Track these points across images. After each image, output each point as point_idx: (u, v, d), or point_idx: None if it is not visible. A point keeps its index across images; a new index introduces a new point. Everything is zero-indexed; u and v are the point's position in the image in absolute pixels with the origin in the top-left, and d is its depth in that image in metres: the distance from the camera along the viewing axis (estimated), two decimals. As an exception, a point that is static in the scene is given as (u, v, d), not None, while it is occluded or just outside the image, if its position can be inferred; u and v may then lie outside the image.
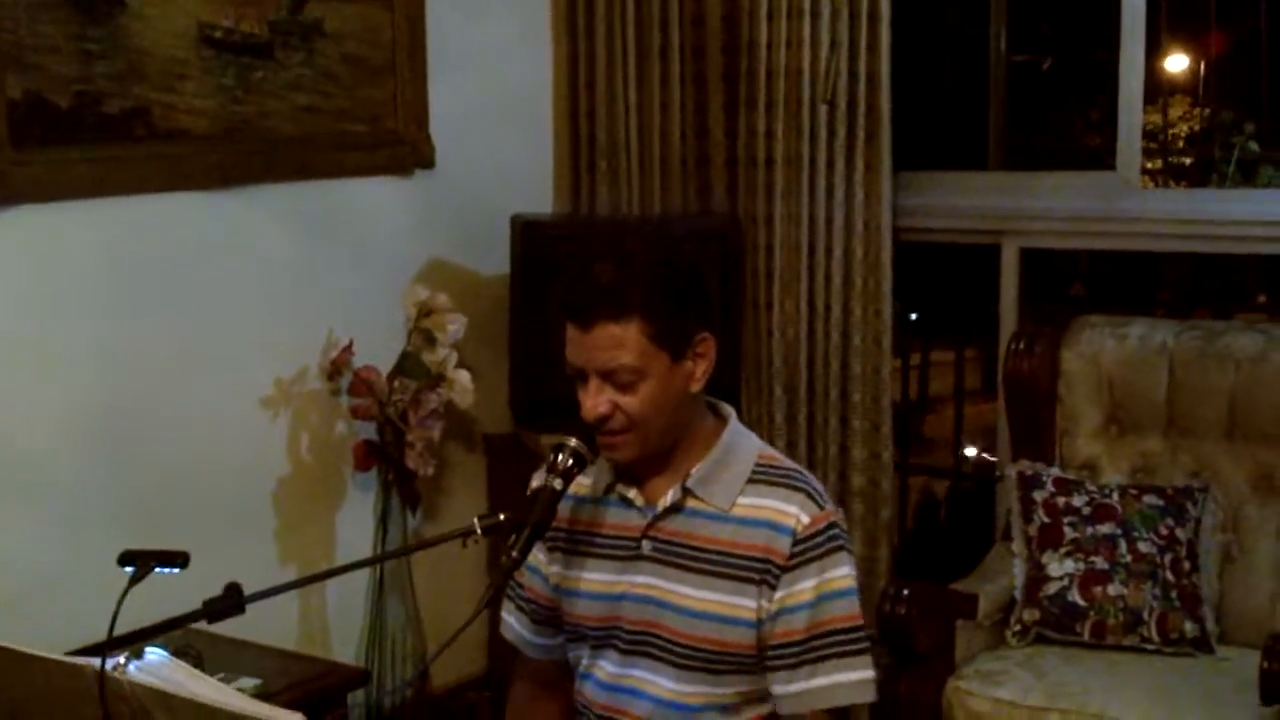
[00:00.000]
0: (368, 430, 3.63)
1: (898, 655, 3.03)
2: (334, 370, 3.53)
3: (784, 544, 2.03)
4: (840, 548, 2.06)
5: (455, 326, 3.56)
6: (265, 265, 3.49)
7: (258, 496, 3.52)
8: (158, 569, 1.70)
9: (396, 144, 3.76)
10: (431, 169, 3.85)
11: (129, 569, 1.69)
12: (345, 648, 3.62)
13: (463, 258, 3.98)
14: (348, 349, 3.52)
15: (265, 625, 3.00)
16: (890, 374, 3.96)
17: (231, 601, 1.86)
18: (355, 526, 3.67)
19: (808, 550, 2.03)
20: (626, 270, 2.02)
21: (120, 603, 1.59)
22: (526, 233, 3.85)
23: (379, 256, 3.77)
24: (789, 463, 2.14)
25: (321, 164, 3.58)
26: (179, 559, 1.74)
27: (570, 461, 2.00)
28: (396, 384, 3.56)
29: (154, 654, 1.54)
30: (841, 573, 2.05)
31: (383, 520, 3.61)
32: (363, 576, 3.70)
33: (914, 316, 5.03)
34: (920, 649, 3.06)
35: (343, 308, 3.64)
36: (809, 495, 2.06)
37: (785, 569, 2.03)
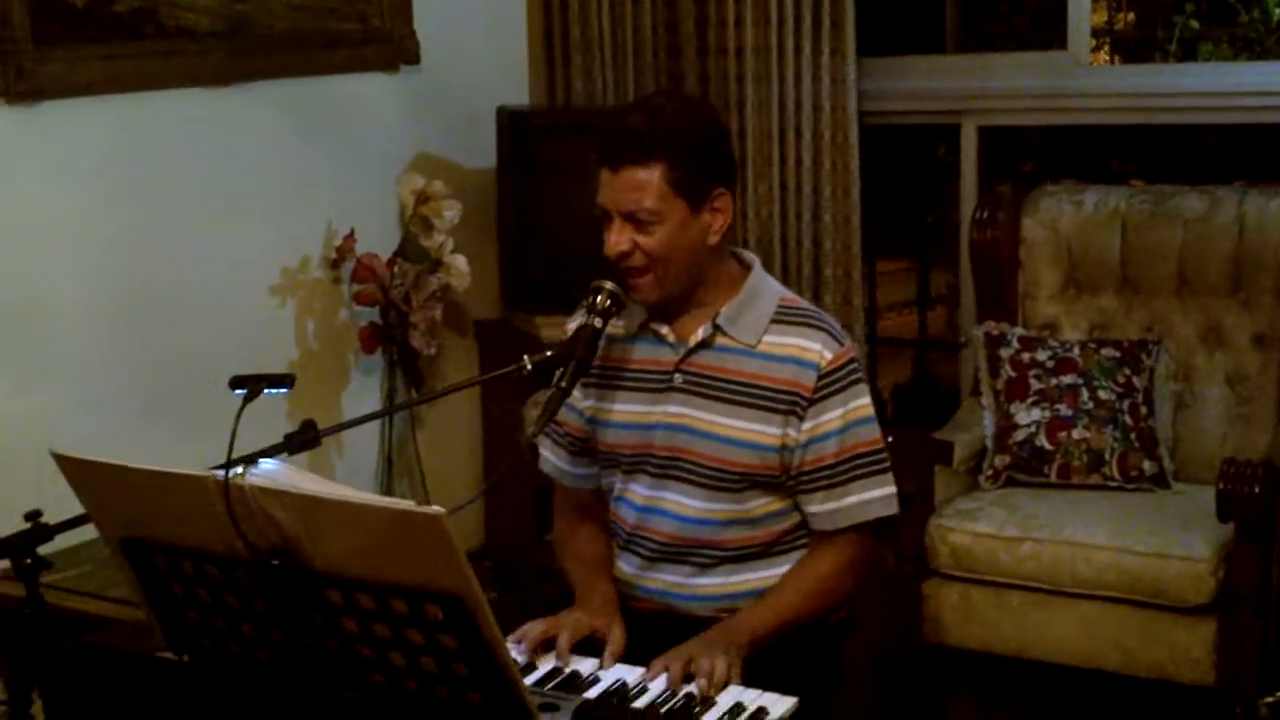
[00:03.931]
0: (369, 316, 3.82)
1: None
2: (338, 258, 3.70)
3: (810, 378, 2.24)
4: (860, 379, 2.29)
5: (452, 212, 3.74)
6: (266, 159, 3.65)
7: (268, 380, 3.69)
8: (267, 390, 1.89)
9: (383, 40, 3.92)
10: (417, 65, 4.00)
11: (239, 391, 1.88)
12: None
13: (449, 150, 4.15)
14: (350, 237, 3.69)
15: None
16: (859, 250, 4.18)
17: (309, 435, 2.06)
18: (361, 409, 3.84)
19: (832, 383, 2.25)
20: (656, 121, 2.20)
21: (237, 421, 1.77)
22: (513, 123, 4.02)
23: (370, 150, 3.94)
24: (809, 304, 2.37)
25: (314, 61, 3.74)
26: (286, 380, 1.93)
27: (609, 302, 2.20)
28: (396, 269, 3.73)
29: (268, 463, 1.73)
30: (863, 402, 2.28)
31: (389, 399, 3.80)
32: (370, 456, 3.90)
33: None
34: (909, 493, 3.30)
35: (339, 199, 3.81)
36: (829, 334, 2.28)
37: (812, 401, 2.24)
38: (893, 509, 2.30)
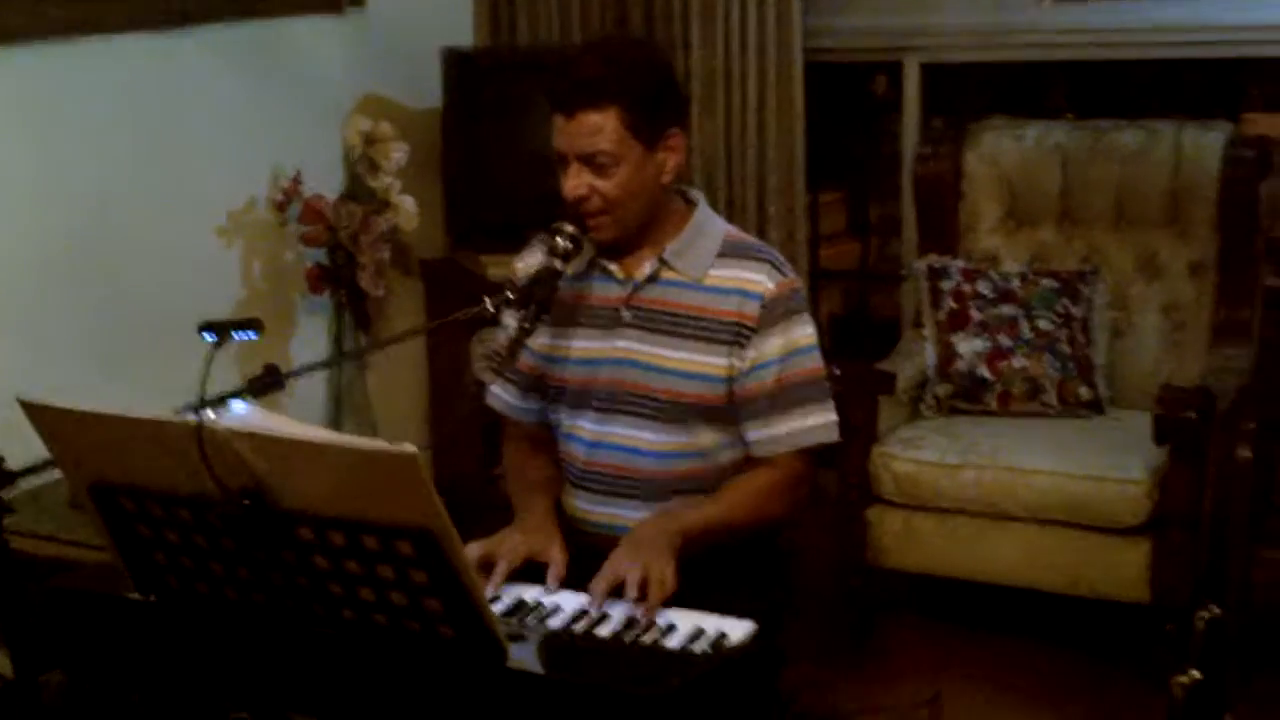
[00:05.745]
0: (315, 257, 3.82)
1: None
2: (284, 200, 3.70)
3: (753, 308, 2.30)
4: (802, 310, 2.35)
5: (399, 154, 3.75)
6: (211, 102, 3.64)
7: (215, 323, 3.69)
8: (234, 334, 1.91)
9: (328, -19, 3.90)
10: (362, 6, 3.99)
11: (209, 336, 1.90)
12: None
13: (394, 91, 4.15)
14: (296, 179, 3.69)
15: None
16: (803, 185, 4.23)
17: (271, 379, 2.09)
18: (308, 350, 3.86)
19: (774, 313, 2.31)
20: (610, 65, 2.22)
21: (208, 365, 1.80)
22: (458, 63, 4.02)
23: (315, 92, 3.93)
24: (752, 239, 2.43)
25: (259, 3, 3.72)
26: (254, 324, 1.96)
27: (569, 244, 2.24)
28: (343, 211, 3.74)
29: (238, 405, 1.76)
30: (805, 331, 2.34)
31: (337, 341, 3.82)
32: (319, 397, 3.92)
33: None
34: (853, 422, 3.37)
35: (284, 142, 3.81)
36: (773, 265, 2.34)
37: (755, 330, 2.30)
38: (833, 436, 2.36)
